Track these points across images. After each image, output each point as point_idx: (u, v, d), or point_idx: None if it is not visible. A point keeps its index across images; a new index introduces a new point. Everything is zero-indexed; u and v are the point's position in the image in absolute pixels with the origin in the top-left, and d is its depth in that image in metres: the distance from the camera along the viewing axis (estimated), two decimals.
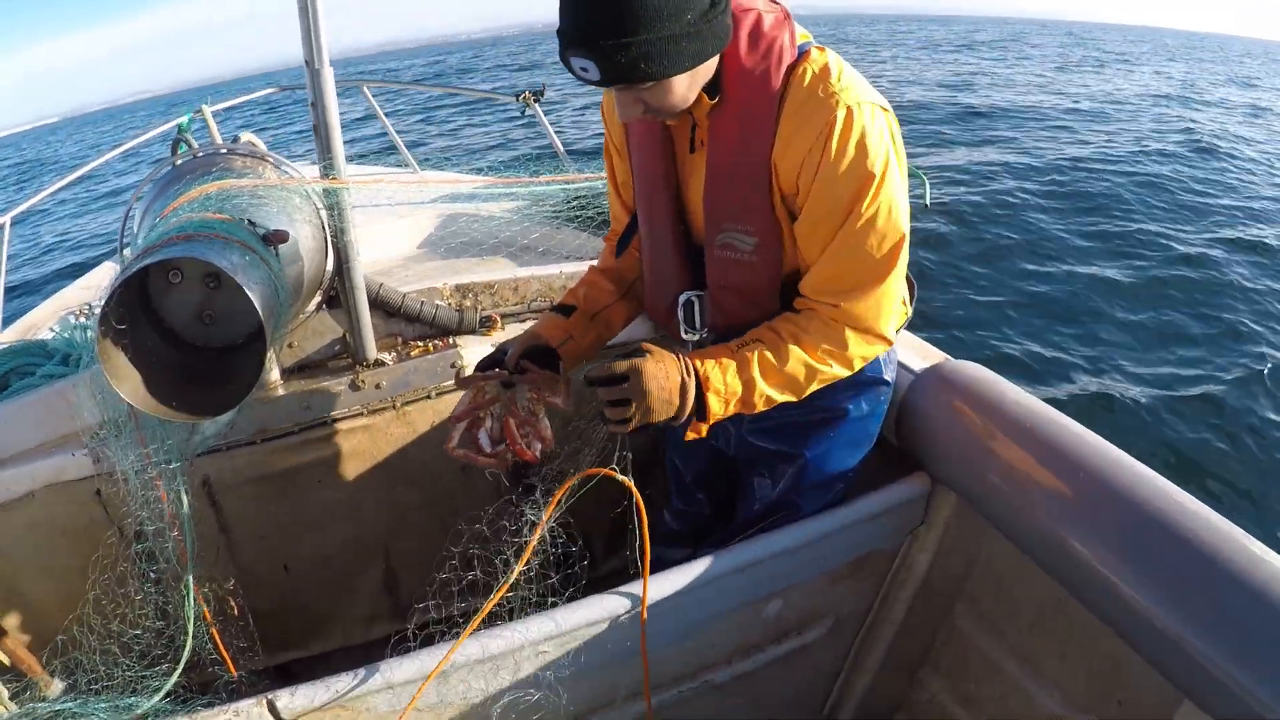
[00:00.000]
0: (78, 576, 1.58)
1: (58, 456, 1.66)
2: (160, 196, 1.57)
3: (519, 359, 1.39)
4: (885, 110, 1.20)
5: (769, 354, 1.24)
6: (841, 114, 1.14)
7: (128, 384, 1.29)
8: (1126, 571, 1.24)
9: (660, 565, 1.39)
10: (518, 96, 3.60)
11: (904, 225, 1.22)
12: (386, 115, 4.07)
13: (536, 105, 3.63)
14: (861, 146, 1.15)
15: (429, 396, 1.86)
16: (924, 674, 1.90)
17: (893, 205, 1.19)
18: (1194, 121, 14.78)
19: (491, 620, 1.25)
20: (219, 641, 1.56)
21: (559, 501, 1.26)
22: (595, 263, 1.67)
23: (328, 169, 1.58)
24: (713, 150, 1.26)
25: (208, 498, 1.80)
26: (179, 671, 1.45)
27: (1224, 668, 1.10)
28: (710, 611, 1.49)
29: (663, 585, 1.36)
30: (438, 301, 1.90)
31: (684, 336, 1.45)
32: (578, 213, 2.61)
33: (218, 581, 1.54)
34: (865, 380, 1.46)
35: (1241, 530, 1.20)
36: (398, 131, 4.14)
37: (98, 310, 1.22)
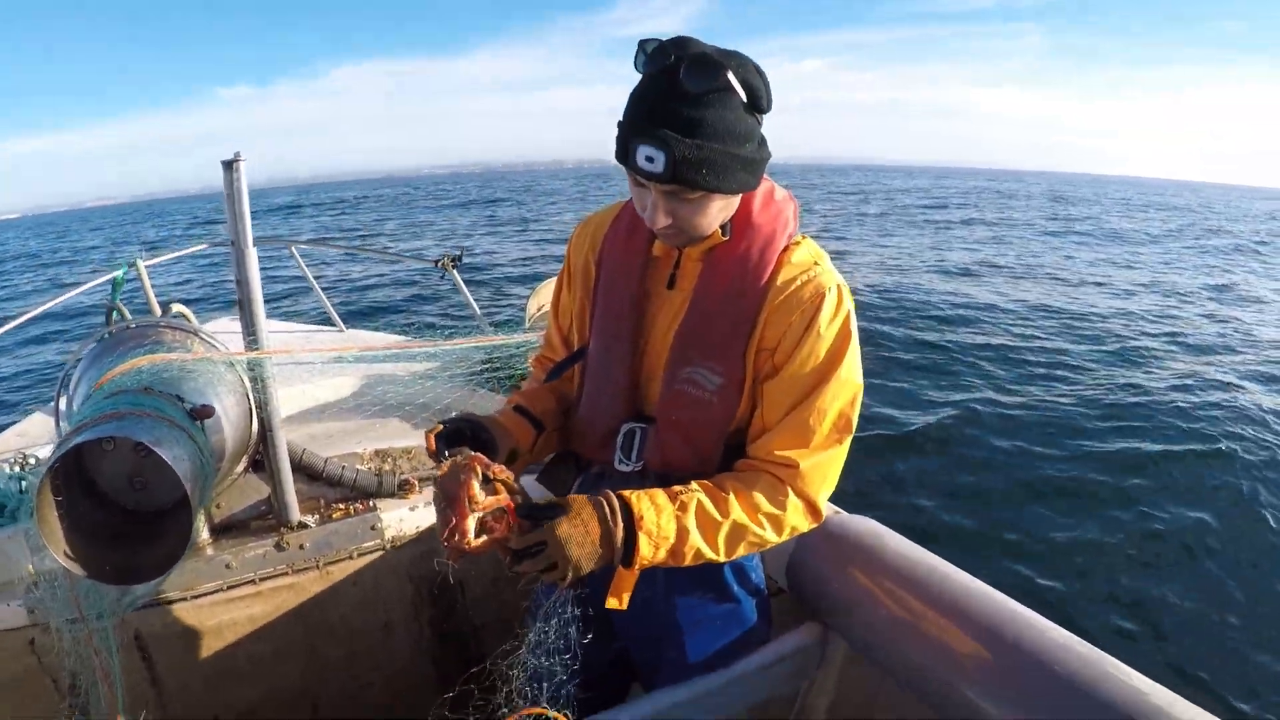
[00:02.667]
0: None
1: None
2: (95, 364, 1.69)
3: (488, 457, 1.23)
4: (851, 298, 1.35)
5: (708, 504, 1.22)
6: (834, 291, 1.28)
7: (62, 546, 1.36)
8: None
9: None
10: (436, 262, 3.75)
11: (858, 404, 1.32)
12: (313, 268, 4.17)
13: (454, 270, 3.77)
14: (845, 321, 1.29)
15: (350, 556, 1.93)
16: None
17: (858, 385, 1.31)
18: None
19: None
20: None
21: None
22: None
23: (253, 343, 1.71)
24: (702, 284, 1.32)
25: (139, 651, 1.83)
26: None
27: None
28: None
29: None
30: (358, 466, 2.01)
31: (618, 467, 1.43)
32: (492, 374, 2.72)
33: None
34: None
35: (1143, 677, 1.22)
36: (324, 287, 4.26)
37: (37, 479, 1.30)
